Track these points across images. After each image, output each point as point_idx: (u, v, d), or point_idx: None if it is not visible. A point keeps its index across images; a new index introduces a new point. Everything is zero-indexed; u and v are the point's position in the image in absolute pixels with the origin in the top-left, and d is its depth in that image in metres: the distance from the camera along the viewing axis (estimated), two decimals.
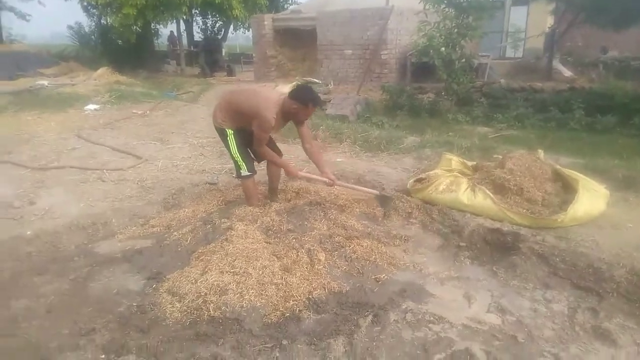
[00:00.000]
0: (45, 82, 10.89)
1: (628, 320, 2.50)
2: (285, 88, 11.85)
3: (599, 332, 2.40)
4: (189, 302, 2.54)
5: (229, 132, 3.63)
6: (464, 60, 8.66)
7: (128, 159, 5.50)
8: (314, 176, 3.82)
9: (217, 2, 14.04)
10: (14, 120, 7.73)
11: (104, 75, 12.38)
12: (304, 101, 3.42)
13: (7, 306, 2.60)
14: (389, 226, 3.64)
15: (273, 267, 2.83)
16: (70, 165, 5.13)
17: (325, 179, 3.70)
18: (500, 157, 4.29)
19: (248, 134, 3.62)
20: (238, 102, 3.61)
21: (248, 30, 18.33)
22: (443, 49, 8.39)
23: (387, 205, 3.90)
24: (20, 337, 2.33)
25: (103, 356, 2.18)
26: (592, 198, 3.55)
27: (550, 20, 13.05)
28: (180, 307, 2.52)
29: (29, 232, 3.55)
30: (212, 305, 2.49)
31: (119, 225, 3.74)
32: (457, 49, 8.48)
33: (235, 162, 3.69)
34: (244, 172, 3.69)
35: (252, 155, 3.82)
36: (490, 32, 10.79)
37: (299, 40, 13.46)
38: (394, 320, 2.47)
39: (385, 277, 2.90)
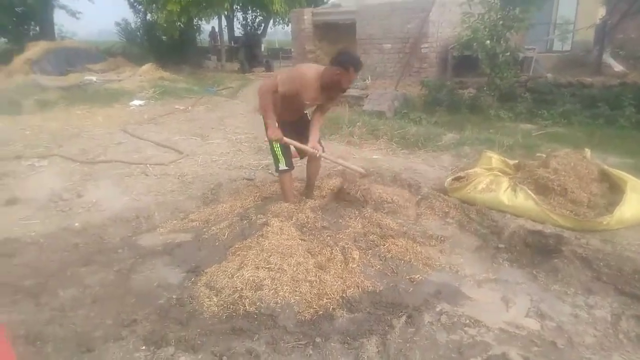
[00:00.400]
0: (94, 78, 11.34)
1: None
2: None
3: None
4: (225, 296, 2.61)
5: None
6: (508, 53, 8.37)
7: (170, 154, 5.67)
8: (298, 144, 3.62)
9: None
10: (65, 114, 8.12)
11: (148, 71, 12.76)
12: (345, 65, 3.23)
13: (56, 295, 2.75)
14: (425, 226, 3.60)
15: (307, 264, 2.86)
16: (116, 160, 5.35)
17: (309, 148, 3.56)
18: (544, 155, 4.14)
19: (291, 124, 3.62)
20: (280, 82, 3.34)
21: (287, 26, 18.43)
22: (488, 41, 8.14)
23: None
24: (67, 326, 2.45)
25: (144, 347, 2.27)
26: None
27: (601, 11, 12.38)
28: (217, 301, 2.58)
29: (76, 224, 3.74)
30: (247, 300, 2.54)
31: (161, 219, 3.88)
32: (502, 41, 8.21)
33: (275, 155, 3.68)
34: (282, 166, 3.68)
35: (295, 151, 3.82)
36: (537, 23, 10.36)
37: (337, 35, 13.43)
38: (429, 322, 2.44)
39: (420, 277, 2.88)
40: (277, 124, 3.48)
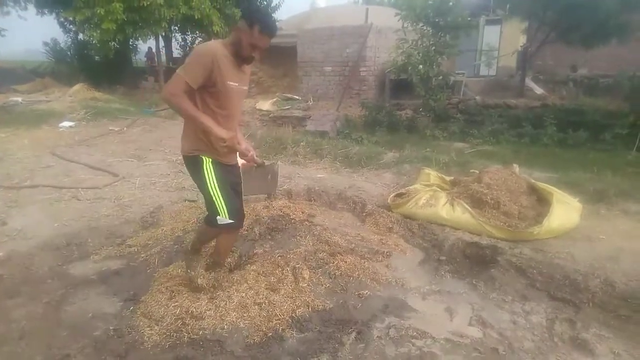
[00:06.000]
0: (19, 99, 10.67)
1: (604, 330, 2.56)
2: (265, 104, 11.95)
3: (577, 343, 2.46)
4: (167, 324, 2.48)
5: (206, 160, 2.58)
6: (440, 77, 8.88)
7: (105, 177, 5.39)
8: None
9: (197, 18, 14.05)
10: None
11: (79, 91, 12.19)
12: (250, 20, 2.40)
13: None
14: (371, 242, 3.65)
15: (259, 287, 2.80)
16: (44, 184, 5.00)
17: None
18: (477, 171, 4.37)
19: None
20: (184, 70, 2.39)
21: None
22: (421, 66, 8.58)
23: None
24: None
25: None
26: (566, 211, 3.64)
27: (522, 39, 13.49)
28: (159, 330, 2.45)
29: (0, 254, 3.43)
30: (191, 327, 2.44)
31: (94, 246, 3.64)
32: (434, 66, 8.69)
33: (212, 202, 2.57)
34: (223, 218, 2.56)
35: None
36: (466, 50, 11.09)
37: (279, 57, 13.57)
38: (378, 336, 2.46)
39: (368, 293, 2.90)
40: (214, 122, 2.46)
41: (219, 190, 2.57)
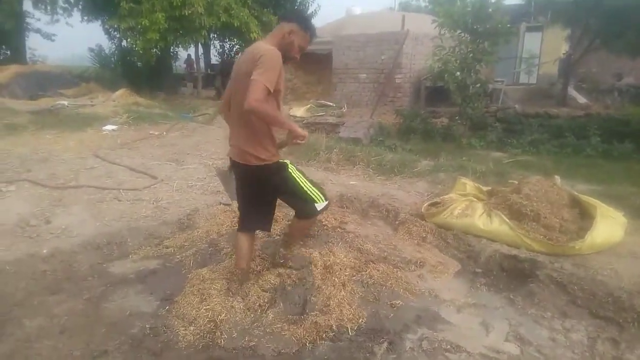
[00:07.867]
0: (66, 102, 11.14)
1: None
2: (299, 111, 12.06)
3: None
4: (201, 325, 2.53)
5: (289, 163, 2.80)
6: (478, 85, 8.72)
7: (144, 179, 5.56)
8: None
9: (236, 25, 14.36)
10: (34, 139, 7.89)
11: (122, 96, 12.63)
12: (305, 25, 2.68)
13: (21, 325, 2.61)
14: (404, 251, 3.61)
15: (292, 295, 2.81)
16: (87, 185, 5.20)
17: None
18: (516, 182, 4.25)
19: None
20: (265, 76, 2.37)
21: None
22: (458, 73, 8.46)
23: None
24: (32, 357, 2.32)
25: None
26: (610, 225, 3.48)
27: (565, 46, 13.08)
28: (193, 331, 2.50)
29: (44, 251, 3.57)
30: (224, 330, 2.48)
31: (133, 245, 3.76)
32: (472, 73, 8.54)
33: (308, 196, 2.78)
34: (322, 202, 2.83)
35: None
36: (505, 57, 10.86)
37: (313, 64, 13.69)
38: (410, 347, 2.42)
39: (401, 303, 2.86)
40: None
41: (308, 181, 2.81)
